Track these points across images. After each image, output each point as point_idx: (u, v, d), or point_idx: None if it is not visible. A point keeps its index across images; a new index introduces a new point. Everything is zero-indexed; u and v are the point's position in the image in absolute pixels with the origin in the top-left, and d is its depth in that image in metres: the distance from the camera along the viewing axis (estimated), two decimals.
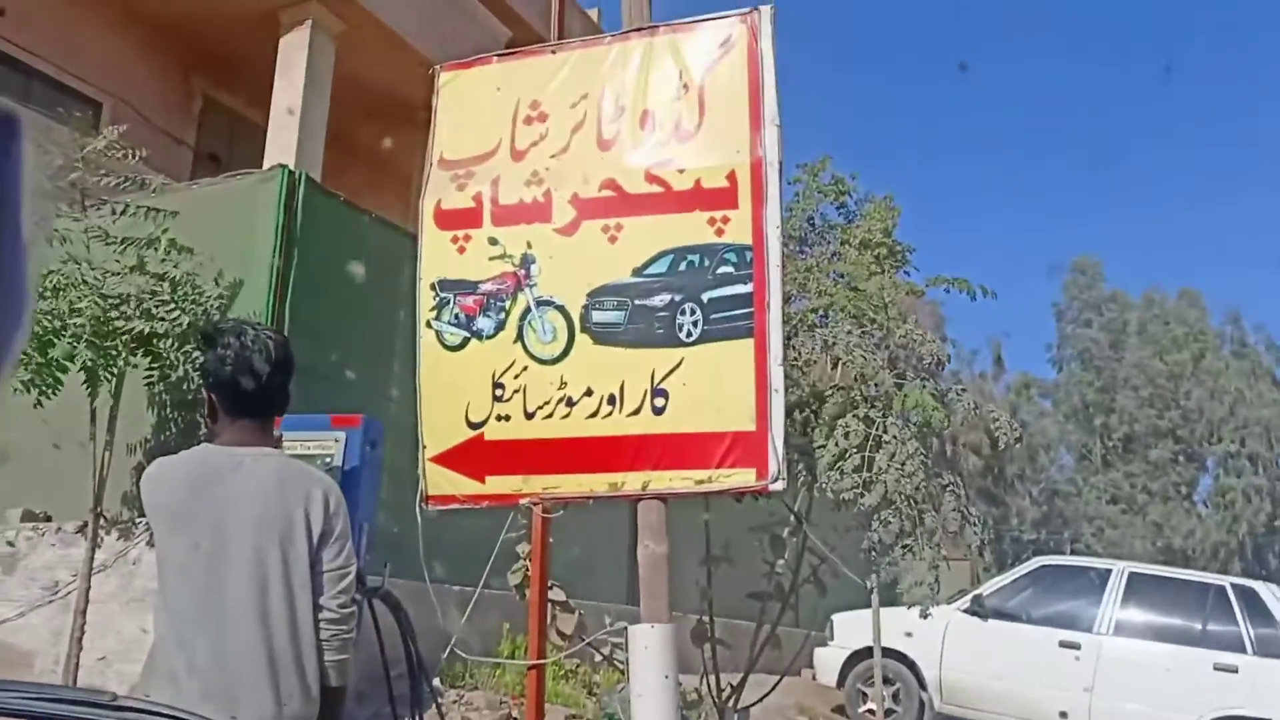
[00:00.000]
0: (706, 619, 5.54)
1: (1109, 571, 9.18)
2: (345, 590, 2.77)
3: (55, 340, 4.52)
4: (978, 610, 8.90)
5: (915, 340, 5.08)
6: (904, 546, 4.39)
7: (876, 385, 4.74)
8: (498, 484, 3.92)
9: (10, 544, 5.47)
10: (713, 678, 5.65)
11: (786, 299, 6.15)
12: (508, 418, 3.94)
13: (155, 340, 4.65)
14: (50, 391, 4.63)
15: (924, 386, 4.89)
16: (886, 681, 8.78)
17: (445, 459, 3.97)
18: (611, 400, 3.92)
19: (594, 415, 3.91)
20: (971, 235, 53.05)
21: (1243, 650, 8.35)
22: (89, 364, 4.58)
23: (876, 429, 4.61)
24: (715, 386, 3.88)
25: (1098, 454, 34.04)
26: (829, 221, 6.44)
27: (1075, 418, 34.72)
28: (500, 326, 4.04)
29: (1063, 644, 8.52)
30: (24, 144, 0.43)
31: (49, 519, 5.68)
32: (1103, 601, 8.81)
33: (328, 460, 3.73)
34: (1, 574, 5.63)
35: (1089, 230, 56.33)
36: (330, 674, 2.72)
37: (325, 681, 2.70)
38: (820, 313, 5.53)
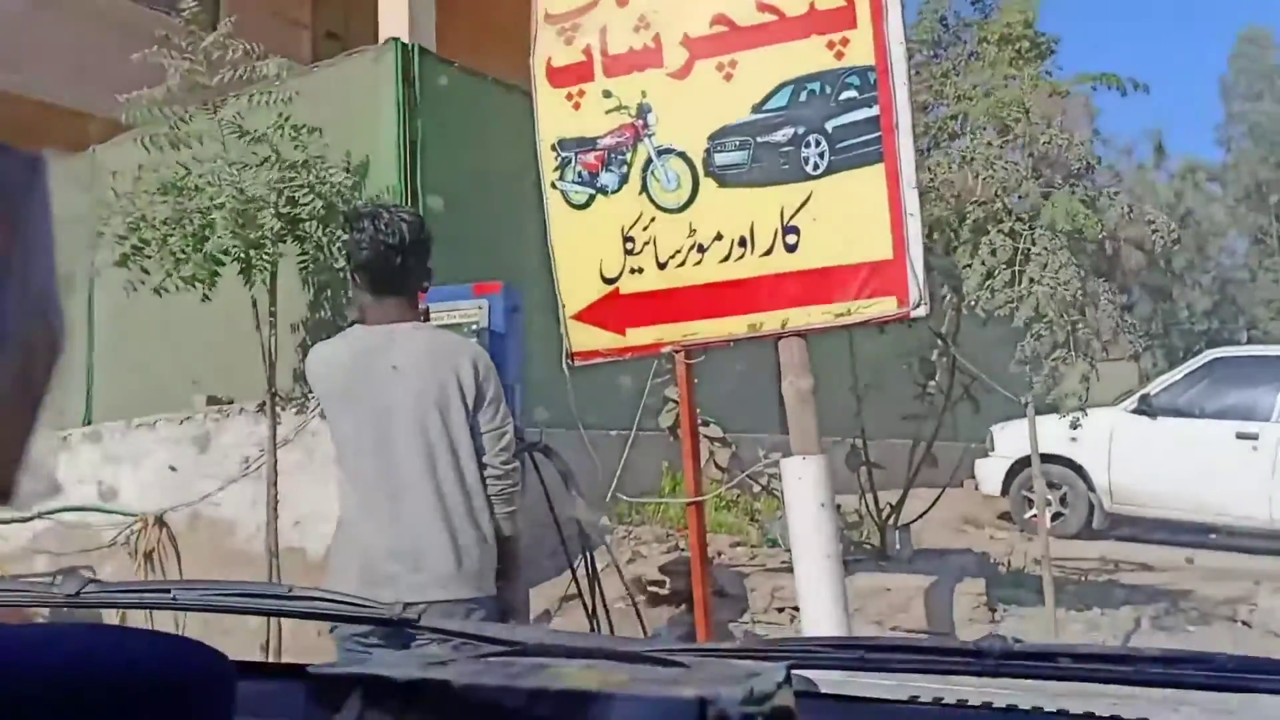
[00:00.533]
0: (860, 443, 5.60)
1: None
2: (505, 448, 2.93)
3: (207, 236, 4.75)
4: (1145, 409, 8.66)
5: (1061, 144, 4.81)
6: (1055, 359, 4.28)
7: (1021, 196, 4.53)
8: (638, 335, 3.99)
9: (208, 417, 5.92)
10: (871, 497, 5.74)
11: (923, 108, 5.89)
12: (641, 270, 3.98)
13: (299, 226, 4.82)
14: (210, 285, 4.90)
15: (1073, 192, 4.66)
16: (1053, 486, 8.72)
17: (585, 315, 4.05)
18: (742, 243, 3.89)
19: (726, 259, 3.90)
20: (1123, 18, 48.99)
21: None
22: (241, 256, 4.80)
23: (1023, 242, 4.44)
24: (847, 217, 3.79)
25: (1274, 234, 31.88)
26: (963, 19, 6.05)
27: (1247, 200, 32.44)
28: (624, 180, 4.03)
29: (1239, 435, 8.24)
30: (47, 179, 0.46)
31: (231, 402, 6.11)
32: None
33: (473, 327, 3.87)
34: (197, 453, 6.12)
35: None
36: (502, 525, 2.91)
37: (498, 533, 2.89)
38: (959, 119, 5.27)
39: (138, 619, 3.47)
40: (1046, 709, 0.85)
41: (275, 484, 5.19)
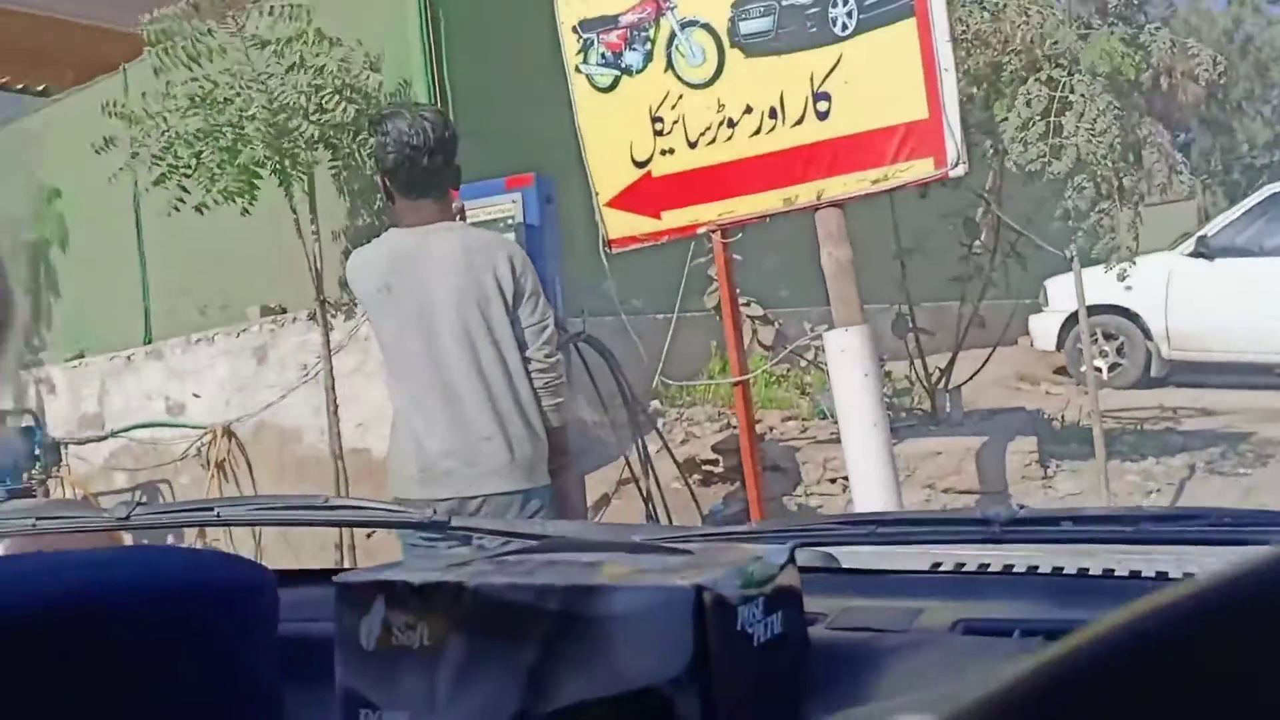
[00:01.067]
0: (906, 309, 5.56)
1: None
2: (548, 341, 2.97)
3: (239, 149, 4.76)
4: (1203, 251, 8.45)
5: None
6: (1100, 210, 4.17)
7: (1056, 42, 4.37)
8: (674, 217, 3.96)
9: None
10: (920, 363, 5.73)
11: None
12: (672, 151, 3.93)
13: (330, 133, 4.82)
14: (250, 199, 4.93)
15: (1112, 32, 4.48)
16: (1109, 337, 8.62)
17: (619, 201, 4.03)
18: (773, 114, 3.82)
19: (757, 133, 3.84)
20: None
21: None
22: (276, 167, 4.82)
23: (1062, 89, 4.30)
24: (880, 78, 3.70)
25: None
26: None
27: None
28: (648, 58, 3.95)
29: None
30: None
31: (284, 310, 6.21)
32: None
33: (509, 221, 3.88)
34: (257, 364, 6.27)
35: None
36: (550, 416, 2.96)
37: (547, 424, 2.95)
38: None
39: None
40: (1066, 569, 0.87)
41: (333, 389, 5.30)
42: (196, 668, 0.69)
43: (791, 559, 0.67)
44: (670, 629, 0.57)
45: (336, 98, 4.70)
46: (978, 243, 5.47)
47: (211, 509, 1.05)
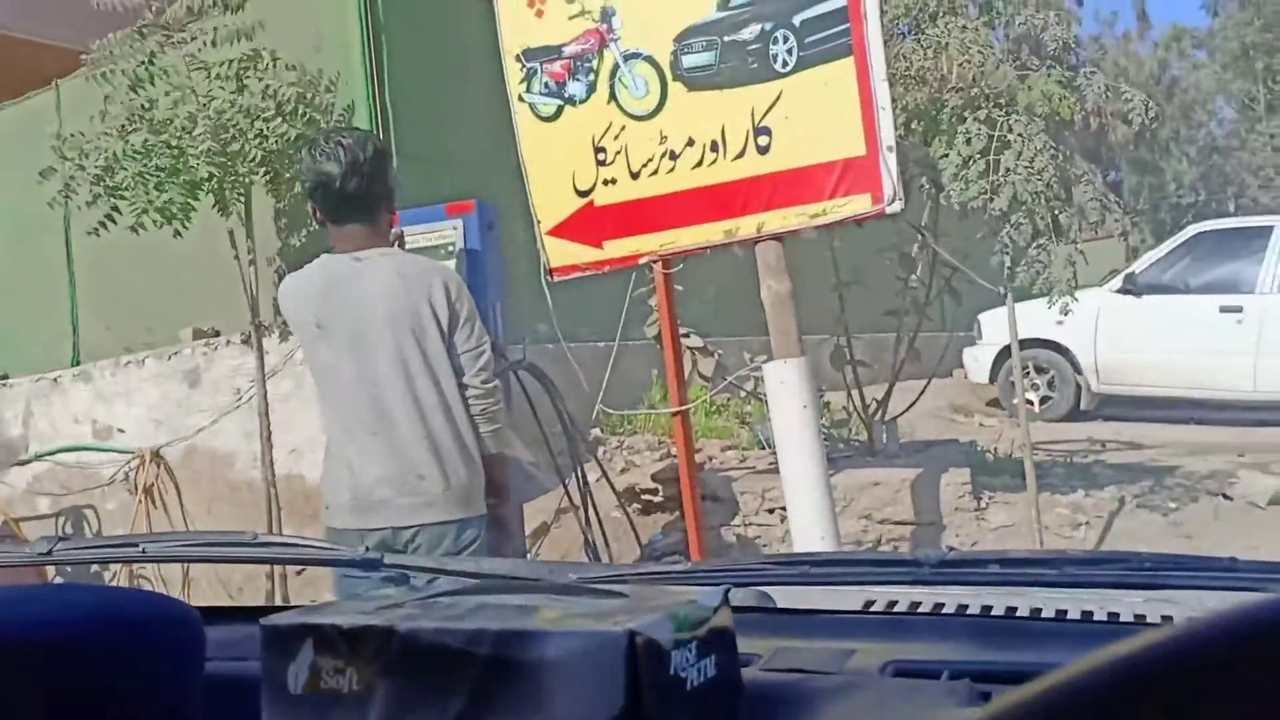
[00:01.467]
0: (844, 341, 5.63)
1: (1270, 228, 8.73)
2: (484, 367, 2.93)
3: (179, 169, 4.69)
4: (1131, 288, 8.69)
5: (1037, 24, 4.73)
6: (1038, 246, 4.27)
7: (995, 82, 4.47)
8: (616, 247, 3.98)
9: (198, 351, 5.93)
10: (857, 393, 5.80)
11: None
12: (614, 181, 3.95)
13: (270, 158, 4.77)
14: (185, 219, 4.86)
15: (1049, 74, 4.60)
16: (1040, 370, 8.80)
17: (561, 230, 4.04)
18: (714, 147, 3.86)
19: (699, 165, 3.87)
20: None
21: None
22: (215, 188, 4.75)
23: (1001, 129, 4.40)
24: (819, 115, 3.76)
25: (1262, 99, 31.51)
26: None
27: (1235, 65, 31.94)
28: (591, 89, 3.97)
29: (1223, 309, 8.28)
30: None
31: (217, 334, 6.11)
32: (1265, 260, 8.44)
33: (449, 248, 3.85)
34: (188, 388, 6.15)
35: None
36: (487, 443, 2.93)
37: (484, 451, 2.92)
38: None
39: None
40: (994, 610, 0.88)
41: (267, 414, 5.22)
42: (120, 708, 0.67)
43: (725, 601, 0.67)
44: (602, 674, 0.57)
45: (278, 120, 4.65)
46: (914, 277, 5.56)
47: (137, 545, 1.02)
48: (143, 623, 0.71)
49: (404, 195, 3.16)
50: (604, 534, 3.95)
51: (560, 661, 0.57)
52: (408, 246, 3.61)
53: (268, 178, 4.86)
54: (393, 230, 3.14)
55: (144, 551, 1.01)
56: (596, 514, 3.95)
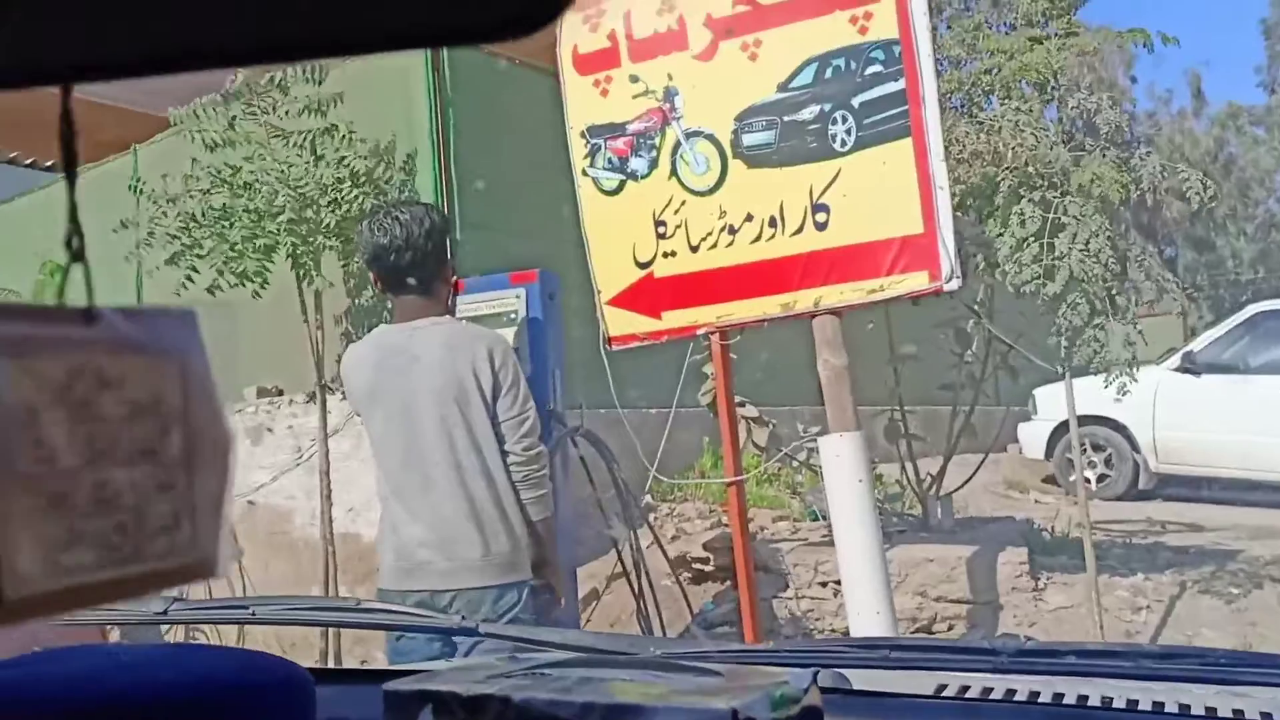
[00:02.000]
0: (899, 414, 5.63)
1: None
2: (528, 434, 2.98)
3: (257, 234, 4.87)
4: (1190, 367, 8.59)
5: (1091, 108, 4.78)
6: (1095, 325, 4.27)
7: (1050, 163, 4.52)
8: (674, 318, 4.05)
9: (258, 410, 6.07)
10: (911, 467, 5.78)
11: (957, 64, 5.85)
12: (674, 253, 4.03)
13: (343, 225, 4.93)
14: (263, 280, 5.02)
15: (1104, 155, 4.64)
16: (1098, 448, 8.69)
17: (621, 300, 4.12)
18: (773, 223, 3.93)
19: (757, 240, 3.94)
20: None
21: None
22: (292, 253, 4.92)
23: (1055, 211, 4.43)
24: (877, 193, 3.82)
25: None
26: None
27: None
28: (653, 165, 4.07)
29: None
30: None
31: (281, 393, 6.25)
32: None
33: (512, 316, 3.95)
34: (251, 444, 6.28)
35: None
36: (531, 510, 2.97)
37: (528, 518, 2.96)
38: (993, 71, 5.23)
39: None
40: (1066, 699, 0.91)
41: (327, 472, 5.32)
42: None
43: (814, 682, 0.71)
44: None
45: (352, 188, 4.82)
46: (969, 352, 5.57)
47: (247, 607, 1.08)
48: (260, 684, 0.77)
49: (469, 264, 3.26)
50: (655, 601, 3.97)
51: None
52: (473, 314, 3.72)
53: (340, 243, 5.02)
54: (451, 297, 3.24)
55: (253, 614, 1.08)
56: (649, 581, 3.97)
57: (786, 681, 0.70)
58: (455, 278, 3.30)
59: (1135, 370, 4.38)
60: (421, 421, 2.92)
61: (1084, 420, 6.99)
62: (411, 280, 3.00)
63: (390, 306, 3.18)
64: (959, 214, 4.64)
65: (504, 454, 2.93)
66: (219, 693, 0.74)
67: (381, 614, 1.12)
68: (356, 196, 4.79)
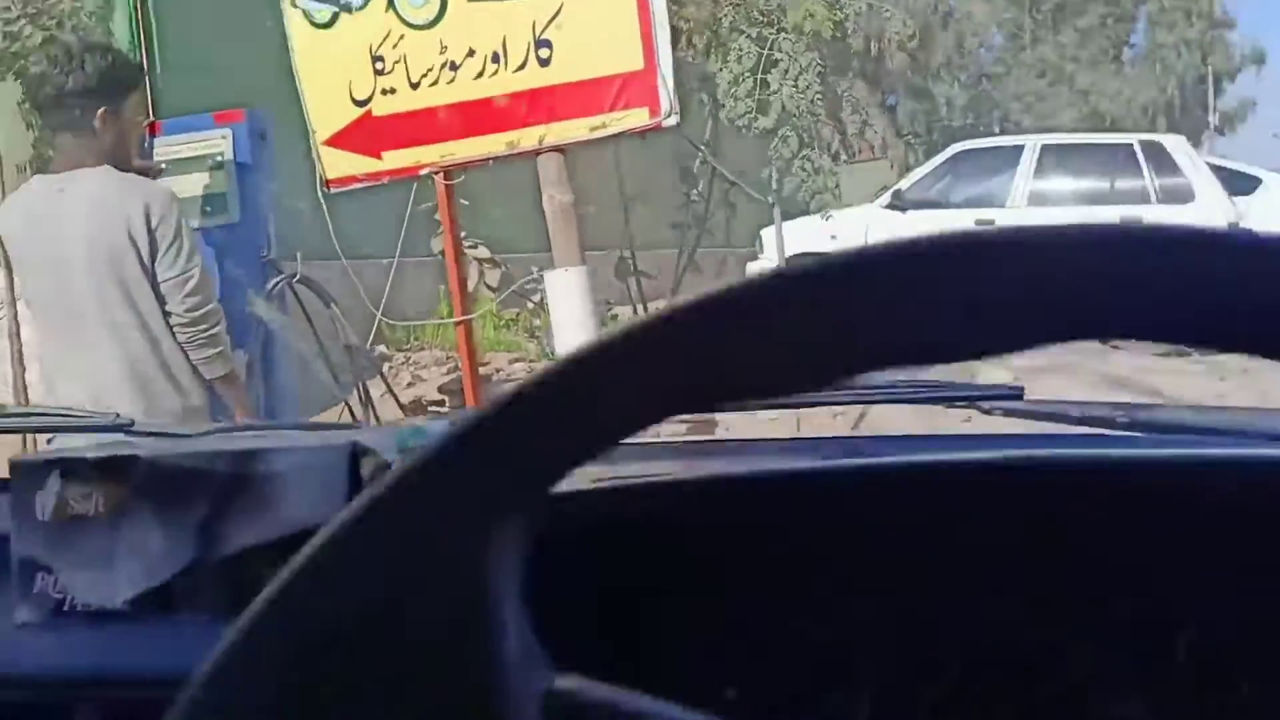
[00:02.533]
0: (628, 254, 5.79)
1: (1022, 147, 9.46)
2: (191, 293, 2.78)
3: None
4: (898, 204, 9.23)
5: None
6: (803, 158, 4.51)
7: (768, 0, 4.66)
8: (395, 158, 3.94)
9: None
10: (641, 306, 5.99)
11: None
12: (393, 90, 3.90)
13: (20, 60, 4.44)
14: None
15: None
16: None
17: (337, 140, 3.96)
18: (495, 58, 3.86)
19: (480, 76, 3.87)
20: None
21: (1148, 202, 8.82)
22: None
23: (770, 47, 4.59)
24: (598, 29, 3.81)
25: (1028, 30, 33.52)
26: None
27: None
28: None
29: (978, 222, 8.93)
30: None
31: None
32: (1017, 176, 9.15)
33: (218, 159, 3.74)
34: None
35: None
36: (205, 370, 2.82)
37: (202, 376, 2.82)
38: None
39: None
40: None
41: (18, 335, 4.91)
42: None
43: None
44: (328, 481, 0.65)
45: (24, 22, 4.33)
46: (695, 192, 5.76)
47: None
48: None
49: (174, 106, 3.04)
50: None
51: (291, 470, 0.65)
52: (173, 158, 3.49)
53: (18, 83, 4.53)
54: (145, 140, 3.01)
55: None
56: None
57: (420, 427, 0.75)
58: (149, 120, 3.07)
59: (838, 199, 4.69)
60: (74, 281, 2.70)
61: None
62: (70, 121, 2.72)
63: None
64: (683, 51, 4.71)
65: (166, 313, 2.76)
66: None
67: (36, 417, 1.08)
68: (33, 33, 4.32)
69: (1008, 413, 0.80)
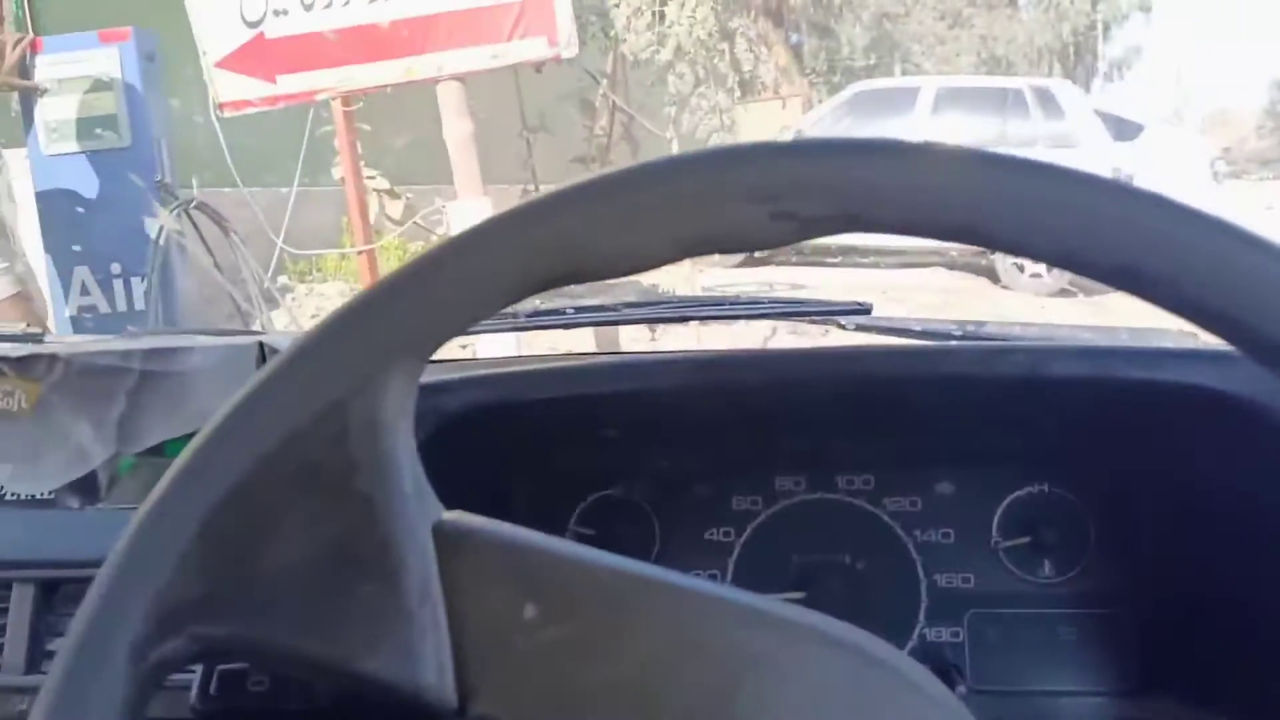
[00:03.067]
0: (531, 188, 5.79)
1: (918, 89, 9.64)
2: None
3: None
4: None
5: None
6: (699, 94, 4.57)
7: None
8: (290, 82, 3.88)
9: None
10: None
11: None
12: (285, 12, 3.82)
13: None
14: None
15: None
16: None
17: (229, 62, 3.87)
18: None
19: (374, 0, 3.83)
20: None
21: (1034, 145, 9.10)
22: None
23: None
24: None
25: None
26: None
27: None
28: None
29: None
30: None
31: None
32: (914, 118, 9.34)
33: (105, 78, 3.63)
34: None
35: None
36: None
37: None
38: None
39: None
40: None
41: None
42: None
43: None
44: (237, 373, 0.71)
45: None
46: (599, 126, 5.78)
47: None
48: None
49: (52, 22, 2.94)
50: None
51: (203, 367, 0.71)
52: (59, 77, 3.39)
53: None
54: (26, 58, 2.89)
55: None
56: None
57: None
58: (30, 37, 2.96)
59: (735, 137, 4.76)
60: None
61: None
62: None
63: None
64: None
65: None
66: None
67: None
68: None
69: (860, 327, 0.90)
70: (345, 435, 0.35)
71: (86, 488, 0.72)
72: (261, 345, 0.71)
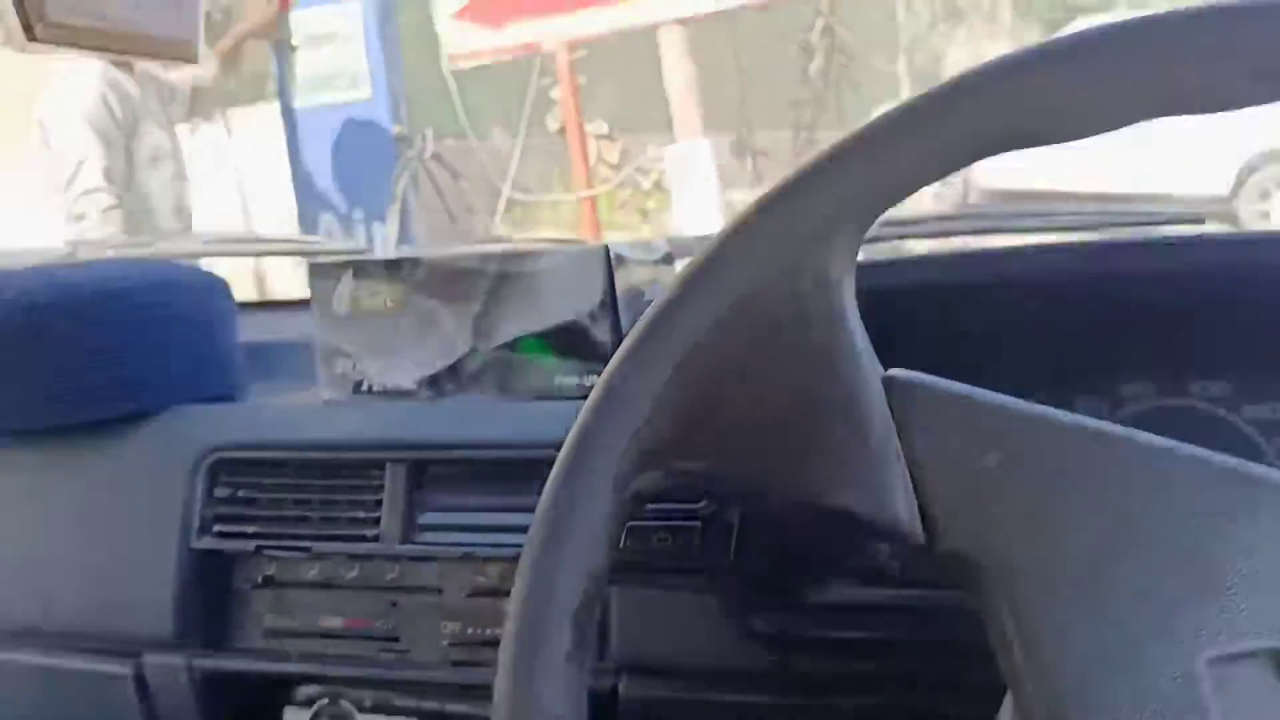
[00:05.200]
0: (746, 132, 5.74)
1: None
2: None
3: None
4: None
5: None
6: (933, 28, 4.40)
7: None
8: (518, 31, 3.99)
9: None
10: (759, 189, 5.93)
11: None
12: None
13: None
14: None
15: None
16: None
17: (463, 14, 4.01)
18: None
19: None
20: None
21: None
22: None
23: None
24: None
25: None
26: None
27: None
28: None
29: None
30: None
31: None
32: None
33: (346, 33, 3.83)
34: None
35: None
36: None
37: None
38: None
39: None
40: None
41: None
42: (155, 350, 0.82)
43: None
44: (586, 277, 0.74)
45: None
46: (814, 66, 5.66)
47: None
48: (177, 281, 0.87)
49: None
50: None
51: (554, 270, 0.75)
52: (307, 34, 3.57)
53: None
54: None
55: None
56: None
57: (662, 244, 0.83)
58: None
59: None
60: None
61: None
62: None
63: None
64: None
65: None
66: (147, 288, 0.84)
67: (294, 242, 1.21)
68: None
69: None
70: (800, 291, 0.36)
71: (446, 380, 0.77)
72: (607, 249, 0.74)
